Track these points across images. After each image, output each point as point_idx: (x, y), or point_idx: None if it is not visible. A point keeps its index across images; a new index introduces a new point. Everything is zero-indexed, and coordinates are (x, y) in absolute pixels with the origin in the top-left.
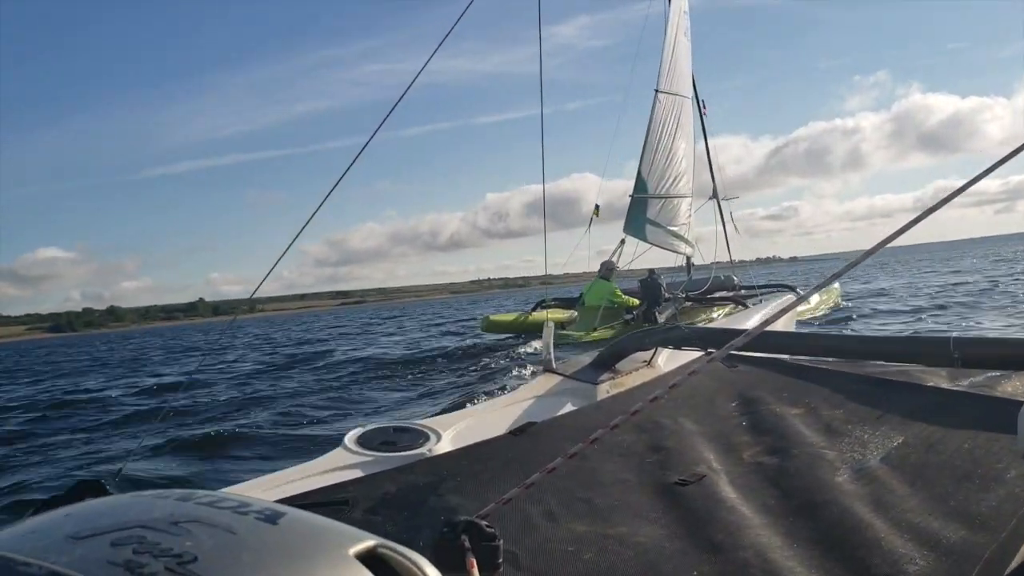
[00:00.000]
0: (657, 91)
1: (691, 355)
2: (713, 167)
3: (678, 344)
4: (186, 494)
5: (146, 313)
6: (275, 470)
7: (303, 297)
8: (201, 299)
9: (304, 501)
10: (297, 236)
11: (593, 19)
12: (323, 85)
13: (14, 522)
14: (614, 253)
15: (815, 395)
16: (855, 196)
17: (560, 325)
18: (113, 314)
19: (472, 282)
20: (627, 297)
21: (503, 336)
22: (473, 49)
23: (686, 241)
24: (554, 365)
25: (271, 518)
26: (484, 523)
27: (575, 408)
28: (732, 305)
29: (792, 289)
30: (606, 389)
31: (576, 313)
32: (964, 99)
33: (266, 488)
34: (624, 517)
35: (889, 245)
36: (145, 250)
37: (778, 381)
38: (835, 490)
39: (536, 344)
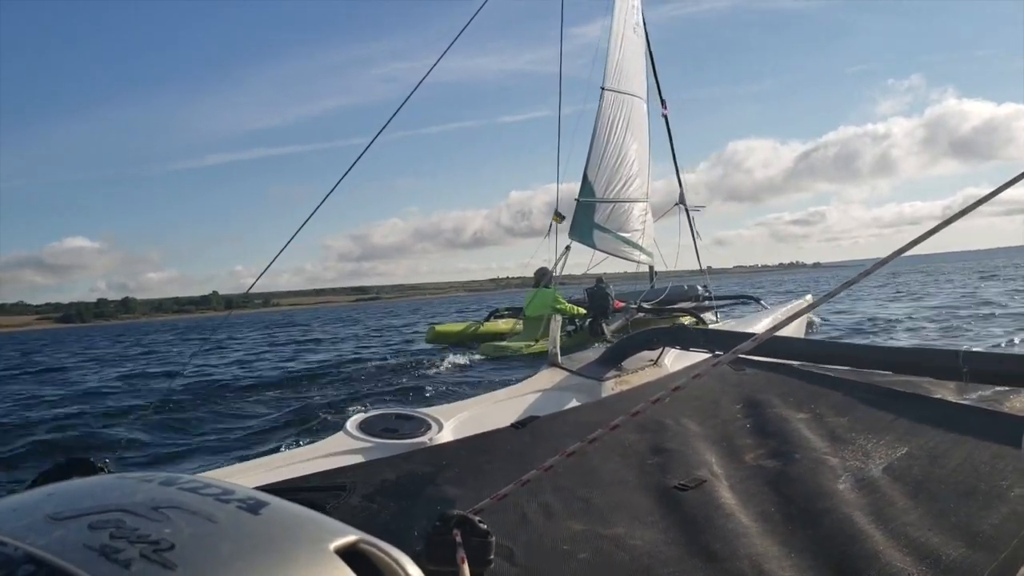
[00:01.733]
0: (603, 89)
1: (698, 356)
2: (679, 171)
3: (685, 345)
4: (170, 478)
5: (159, 305)
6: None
7: (320, 292)
8: (215, 292)
9: (303, 484)
10: (292, 238)
11: None
12: (349, 81)
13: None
14: (559, 260)
15: (821, 401)
16: (883, 202)
17: (500, 336)
18: (125, 305)
19: (491, 280)
20: (572, 306)
21: (443, 347)
22: (500, 48)
23: (641, 248)
24: (559, 360)
25: (253, 508)
26: (477, 519)
27: (579, 404)
28: (688, 318)
29: (756, 300)
30: (611, 386)
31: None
32: (1000, 105)
33: (267, 469)
34: (622, 518)
35: (910, 254)
36: (170, 242)
37: (784, 386)
38: (835, 498)
39: (454, 360)
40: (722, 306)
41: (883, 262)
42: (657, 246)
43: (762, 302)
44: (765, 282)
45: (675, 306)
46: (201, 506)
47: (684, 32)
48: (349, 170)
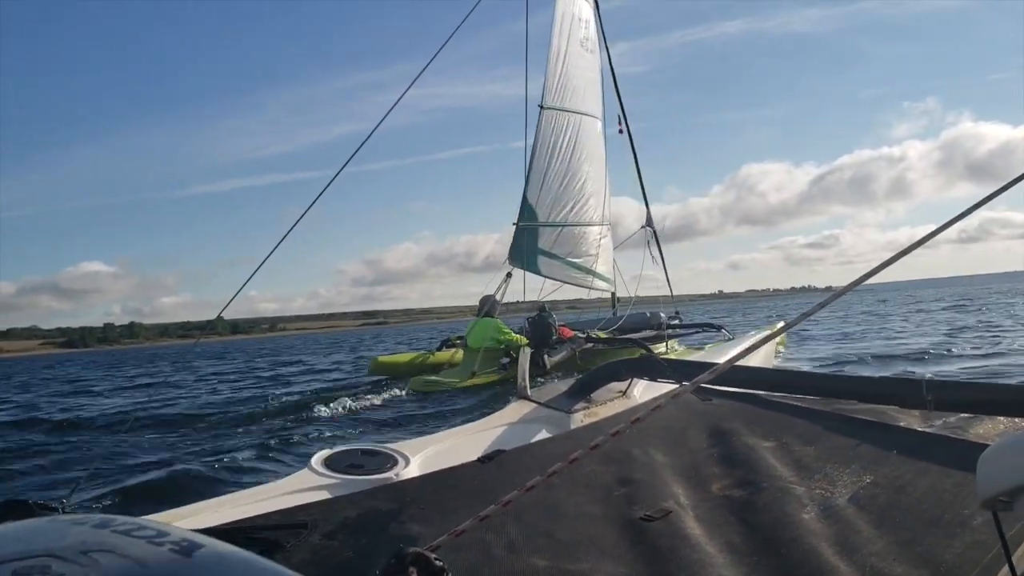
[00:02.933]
0: (542, 107)
1: (667, 387)
2: (645, 192)
3: (653, 376)
4: (105, 520)
5: (165, 330)
6: (243, 488)
7: (328, 316)
8: (219, 316)
9: (264, 523)
10: (264, 261)
11: (632, 45)
12: (362, 107)
13: None
14: (499, 288)
15: (787, 431)
16: (898, 226)
17: (434, 370)
18: (131, 330)
19: (502, 304)
20: (518, 336)
21: (384, 378)
22: (507, 75)
23: (595, 274)
24: (528, 392)
25: (187, 550)
26: (433, 555)
27: (547, 436)
28: (639, 350)
29: (719, 328)
30: (580, 418)
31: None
32: (1016, 128)
33: (228, 507)
34: (587, 552)
35: (923, 278)
36: (185, 266)
37: (751, 415)
38: (801, 528)
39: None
40: (683, 335)
41: (839, 293)
42: (619, 272)
43: (724, 330)
44: (763, 308)
45: (624, 336)
46: (132, 549)
47: (695, 58)
48: (317, 199)
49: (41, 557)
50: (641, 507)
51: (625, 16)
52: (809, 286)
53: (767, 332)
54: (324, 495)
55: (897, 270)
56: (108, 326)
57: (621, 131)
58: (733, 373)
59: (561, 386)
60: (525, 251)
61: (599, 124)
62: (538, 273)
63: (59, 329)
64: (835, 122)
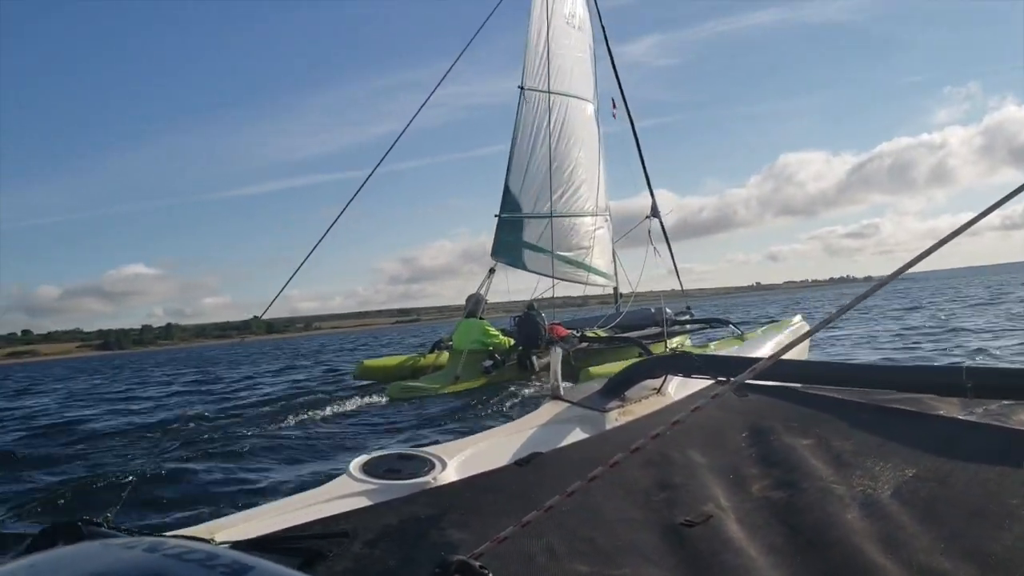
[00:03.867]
0: (522, 88)
1: (703, 382)
2: (649, 179)
3: (688, 372)
4: (155, 543)
5: (202, 331)
6: (288, 495)
7: (363, 315)
8: (255, 316)
9: (304, 532)
10: (305, 259)
11: (664, 38)
12: (399, 106)
13: None
14: (482, 285)
15: (825, 425)
16: (939, 214)
17: (422, 373)
18: (168, 331)
19: (534, 299)
20: (505, 338)
21: (369, 383)
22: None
23: (590, 268)
24: (561, 392)
25: (237, 572)
26: (477, 563)
27: (582, 437)
28: (637, 351)
29: (726, 323)
30: (614, 417)
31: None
32: None
33: (270, 516)
34: (628, 558)
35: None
36: (226, 267)
37: (788, 411)
38: (845, 527)
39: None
40: (689, 331)
41: (879, 286)
42: (621, 265)
43: (732, 325)
44: (797, 300)
45: (620, 336)
46: (184, 574)
47: (728, 49)
48: (350, 201)
49: None
50: (681, 512)
51: (655, 8)
52: (848, 276)
53: (802, 326)
54: (363, 501)
55: (938, 259)
56: (146, 328)
57: (615, 115)
58: (769, 367)
59: (594, 385)
60: (508, 245)
61: (590, 107)
62: (523, 268)
63: (99, 331)
64: (873, 109)
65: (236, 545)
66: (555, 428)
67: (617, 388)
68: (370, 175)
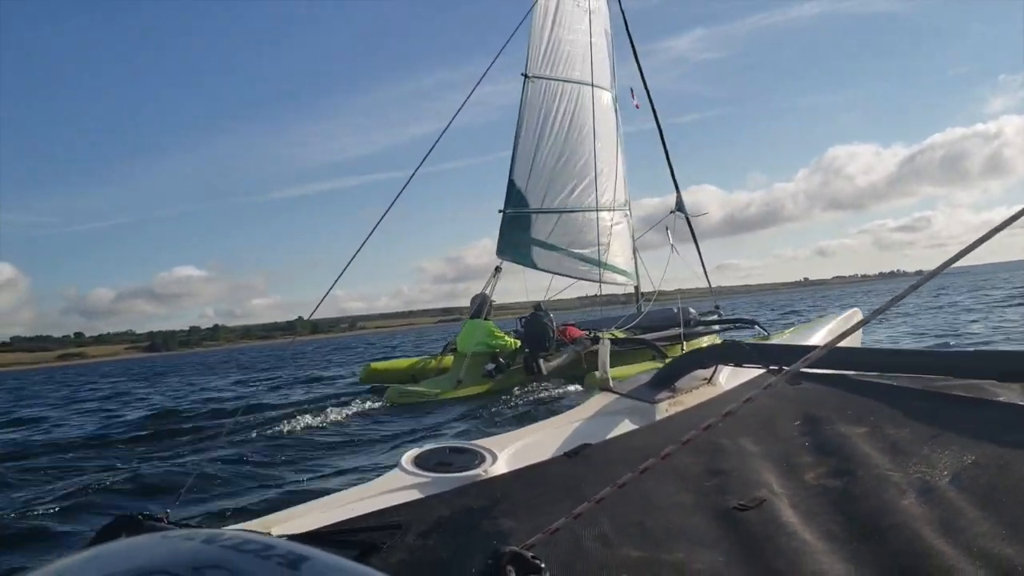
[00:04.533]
0: (526, 76)
1: (754, 371)
2: (673, 172)
3: (739, 362)
4: (212, 535)
5: (247, 332)
6: (341, 489)
7: (407, 314)
8: (300, 317)
9: (359, 525)
10: (351, 261)
11: (708, 31)
12: (439, 105)
13: (45, 564)
14: (488, 284)
15: (880, 413)
16: (994, 205)
17: (413, 378)
18: (214, 332)
19: (578, 298)
20: (512, 339)
21: (377, 387)
22: None
23: (608, 267)
24: (611, 384)
25: (294, 563)
26: (530, 554)
27: (632, 428)
28: (652, 354)
29: (753, 323)
30: (665, 408)
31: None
32: None
33: (325, 510)
34: (681, 543)
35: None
36: (273, 268)
37: (842, 398)
38: (902, 513)
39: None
40: (717, 331)
41: (928, 277)
42: (643, 262)
43: (758, 326)
44: (845, 296)
45: (636, 337)
46: (241, 564)
47: (773, 42)
48: (392, 205)
49: (155, 574)
50: (734, 496)
51: (698, 2)
52: (898, 271)
53: (853, 314)
54: (416, 494)
55: (990, 252)
56: (194, 329)
57: (637, 105)
58: (822, 355)
59: (644, 376)
60: (515, 242)
61: (607, 96)
62: (532, 266)
63: (148, 333)
64: (924, 100)
65: (291, 538)
66: (604, 420)
67: (667, 379)
68: (412, 175)
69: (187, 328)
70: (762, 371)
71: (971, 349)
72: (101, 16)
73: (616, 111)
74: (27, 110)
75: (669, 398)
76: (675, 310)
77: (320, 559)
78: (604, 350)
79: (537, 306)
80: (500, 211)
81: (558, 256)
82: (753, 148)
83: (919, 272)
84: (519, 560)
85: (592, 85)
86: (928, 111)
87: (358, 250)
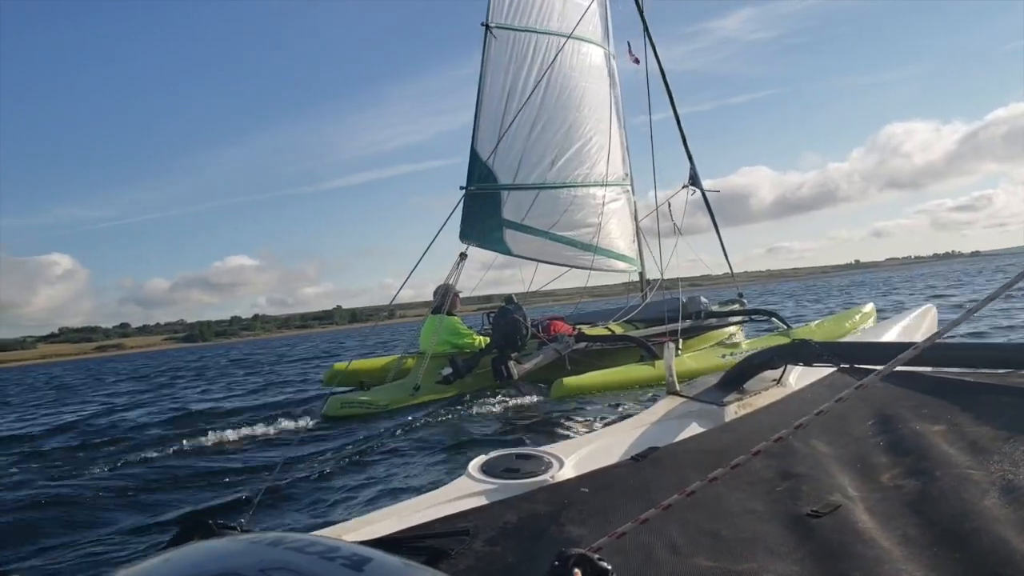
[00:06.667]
0: (487, 27)
1: (824, 371)
2: (686, 140)
3: (808, 361)
4: (278, 538)
5: (285, 322)
6: (407, 498)
7: None
8: (338, 307)
9: (427, 531)
10: (427, 249)
11: (756, 11)
12: None
13: (120, 567)
14: (450, 275)
15: (958, 410)
16: None
17: (360, 385)
18: (253, 322)
19: (624, 284)
20: (481, 338)
21: (347, 390)
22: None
23: (601, 252)
24: (677, 387)
25: (357, 564)
26: (596, 556)
27: (700, 431)
28: (642, 352)
29: (771, 315)
30: (733, 411)
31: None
32: None
33: (393, 518)
34: (753, 551)
35: None
36: (323, 257)
37: (917, 397)
38: (984, 516)
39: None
40: (725, 325)
41: None
42: (647, 246)
43: (776, 318)
44: (891, 281)
45: (623, 335)
46: (306, 565)
47: (824, 19)
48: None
49: None
50: (807, 502)
51: None
52: (953, 252)
53: (928, 309)
54: (483, 500)
55: None
56: (235, 319)
57: (636, 60)
58: (890, 352)
59: (711, 379)
60: (481, 224)
61: (599, 52)
62: (506, 252)
63: (188, 324)
64: (985, 75)
65: (361, 544)
66: (672, 424)
67: (735, 380)
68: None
69: (242, 317)
70: (833, 370)
71: None
72: (151, 15)
73: (612, 72)
74: (83, 107)
75: (738, 400)
76: (684, 300)
77: (383, 561)
78: (669, 353)
79: (508, 299)
80: (462, 188)
81: (539, 241)
82: (805, 128)
83: (975, 253)
84: (586, 562)
85: (577, 38)
86: (990, 86)
87: (425, 251)
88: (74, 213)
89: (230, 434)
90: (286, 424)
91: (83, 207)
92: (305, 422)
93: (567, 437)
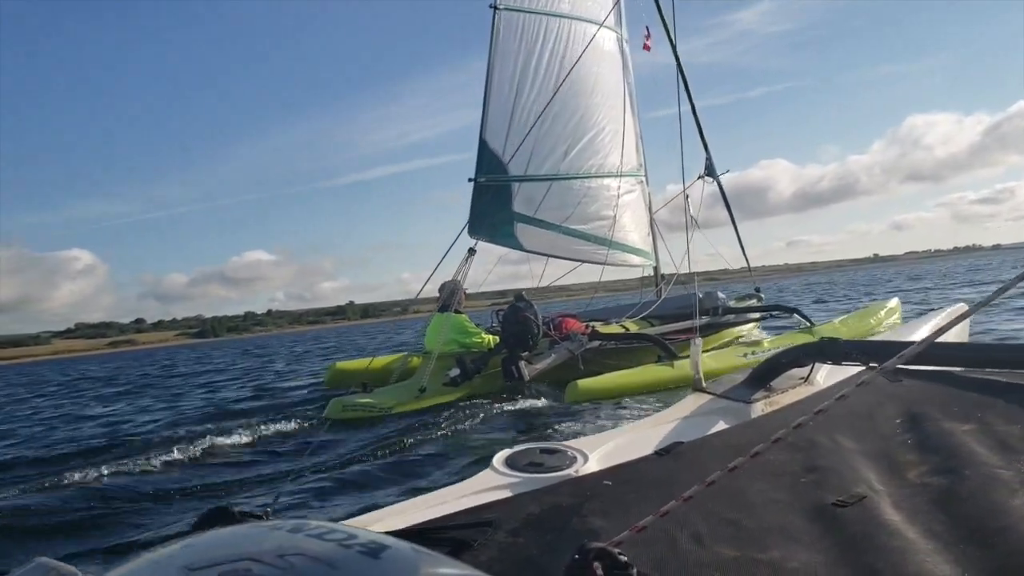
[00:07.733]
0: (495, 8)
1: (852, 370)
2: (702, 131)
3: (837, 359)
4: (298, 525)
5: (297, 318)
6: (430, 490)
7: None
8: (351, 302)
9: (450, 523)
10: (449, 248)
11: (775, 3)
12: None
13: (142, 552)
14: (458, 271)
15: (988, 409)
16: None
17: (363, 387)
18: (267, 317)
19: (640, 278)
20: (490, 336)
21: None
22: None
23: (616, 245)
24: (704, 384)
25: (374, 552)
26: (617, 550)
27: (726, 428)
28: (659, 352)
29: (792, 312)
30: (760, 408)
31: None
32: None
33: (416, 510)
34: (777, 541)
35: None
36: (341, 252)
37: (946, 395)
38: (1013, 515)
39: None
40: (744, 321)
41: None
42: (663, 240)
43: (798, 314)
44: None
45: (638, 333)
46: (324, 552)
47: (845, 10)
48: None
49: (243, 561)
50: (832, 493)
51: None
52: (974, 245)
53: (960, 307)
54: (506, 494)
55: None
56: (248, 314)
57: (648, 47)
58: (926, 350)
59: (737, 376)
60: (492, 218)
61: (612, 36)
62: (518, 247)
63: (216, 317)
64: (1008, 66)
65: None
66: (698, 420)
67: (762, 378)
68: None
69: (257, 312)
70: (862, 368)
71: None
72: (169, 13)
73: (625, 57)
74: (105, 104)
75: (765, 398)
76: (700, 295)
77: (400, 549)
78: (696, 349)
79: (519, 296)
80: (470, 180)
81: (551, 235)
82: (825, 120)
83: (996, 246)
84: (606, 556)
85: (589, 21)
86: (1014, 76)
87: (448, 250)
88: (94, 209)
89: (241, 436)
90: (291, 426)
91: (103, 203)
92: (309, 424)
93: (588, 435)
